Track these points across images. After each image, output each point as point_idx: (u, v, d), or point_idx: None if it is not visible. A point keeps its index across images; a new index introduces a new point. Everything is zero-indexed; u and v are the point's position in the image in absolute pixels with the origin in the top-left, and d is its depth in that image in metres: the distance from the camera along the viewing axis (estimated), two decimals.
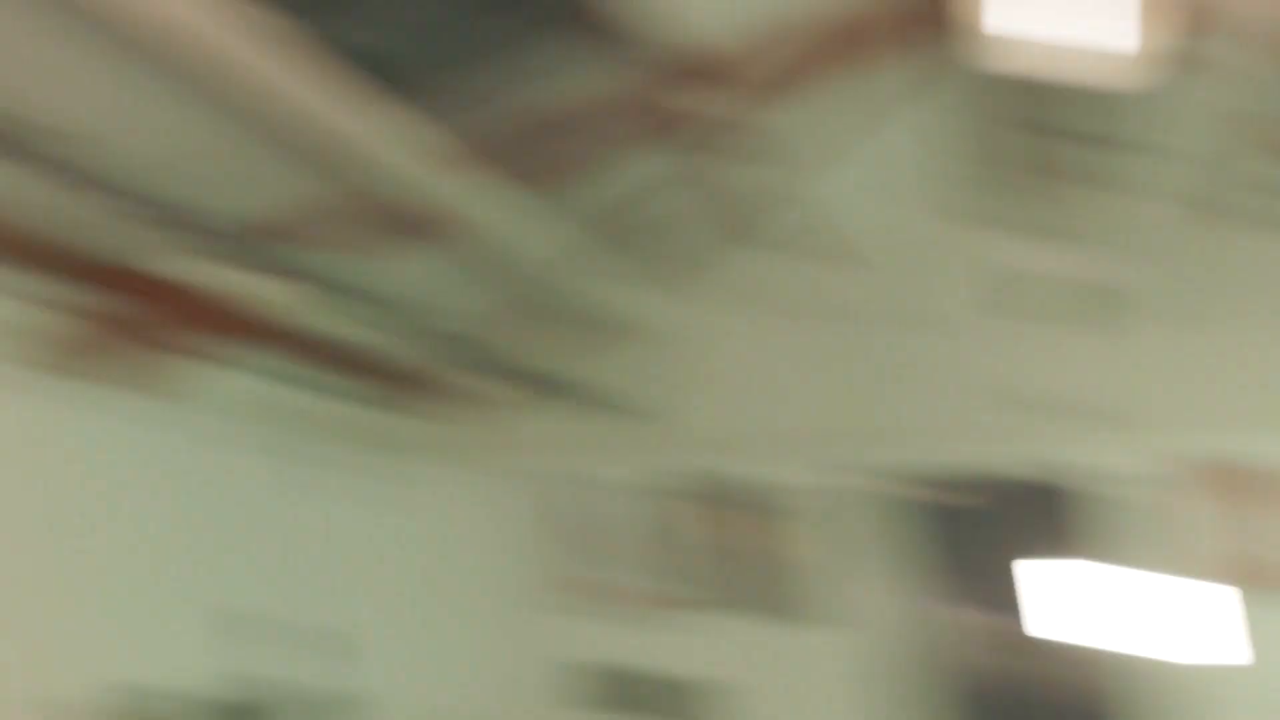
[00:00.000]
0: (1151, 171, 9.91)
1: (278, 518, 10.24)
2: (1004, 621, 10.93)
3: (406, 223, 8.77)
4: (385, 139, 7.66)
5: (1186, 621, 6.54)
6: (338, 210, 8.60)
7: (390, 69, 7.37)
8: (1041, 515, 11.00)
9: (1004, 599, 10.87)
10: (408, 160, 7.90)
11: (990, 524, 11.17)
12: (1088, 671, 10.04)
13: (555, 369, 11.54)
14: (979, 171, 10.02)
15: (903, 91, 8.86)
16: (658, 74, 8.05)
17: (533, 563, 12.43)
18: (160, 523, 8.99)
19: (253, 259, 8.02)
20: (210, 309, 8.96)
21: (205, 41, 6.33)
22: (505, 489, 12.47)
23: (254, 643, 9.56)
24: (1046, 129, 9.44)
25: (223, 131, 7.40)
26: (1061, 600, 6.91)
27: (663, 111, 8.39)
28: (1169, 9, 6.77)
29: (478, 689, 11.92)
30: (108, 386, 8.77)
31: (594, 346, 11.80)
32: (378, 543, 11.27)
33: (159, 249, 8.19)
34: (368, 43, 7.17)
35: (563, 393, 11.56)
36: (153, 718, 8.50)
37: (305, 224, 8.61)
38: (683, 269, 11.37)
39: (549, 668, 12.22)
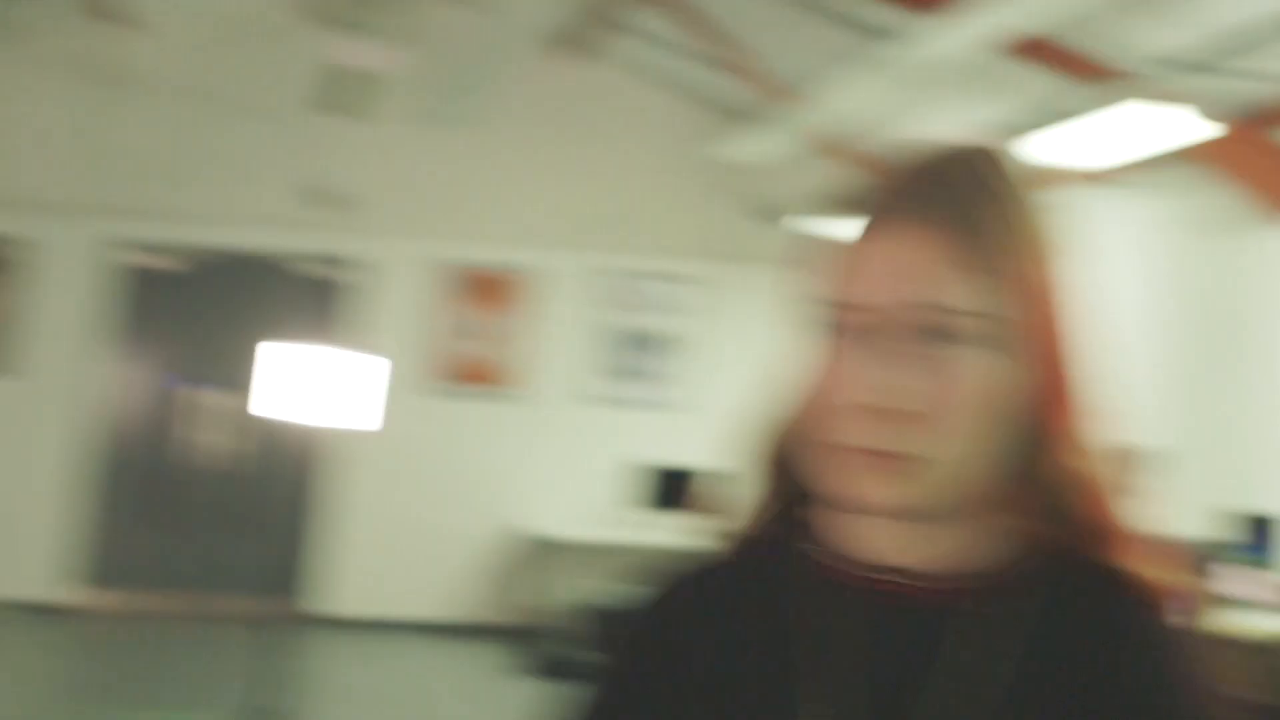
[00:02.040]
0: None
1: None
2: (226, 396, 11.93)
3: None
4: None
5: (354, 393, 7.66)
6: None
7: None
8: (258, 290, 12.23)
9: (227, 375, 11.86)
10: None
11: (205, 296, 12.33)
12: (297, 443, 10.86)
13: None
14: None
15: None
16: None
17: None
18: None
19: None
20: None
21: None
22: None
23: None
24: None
25: None
26: (279, 377, 7.34)
27: None
28: None
29: None
30: None
31: None
32: None
33: None
34: None
35: None
36: None
37: None
38: None
39: None
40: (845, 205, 1.46)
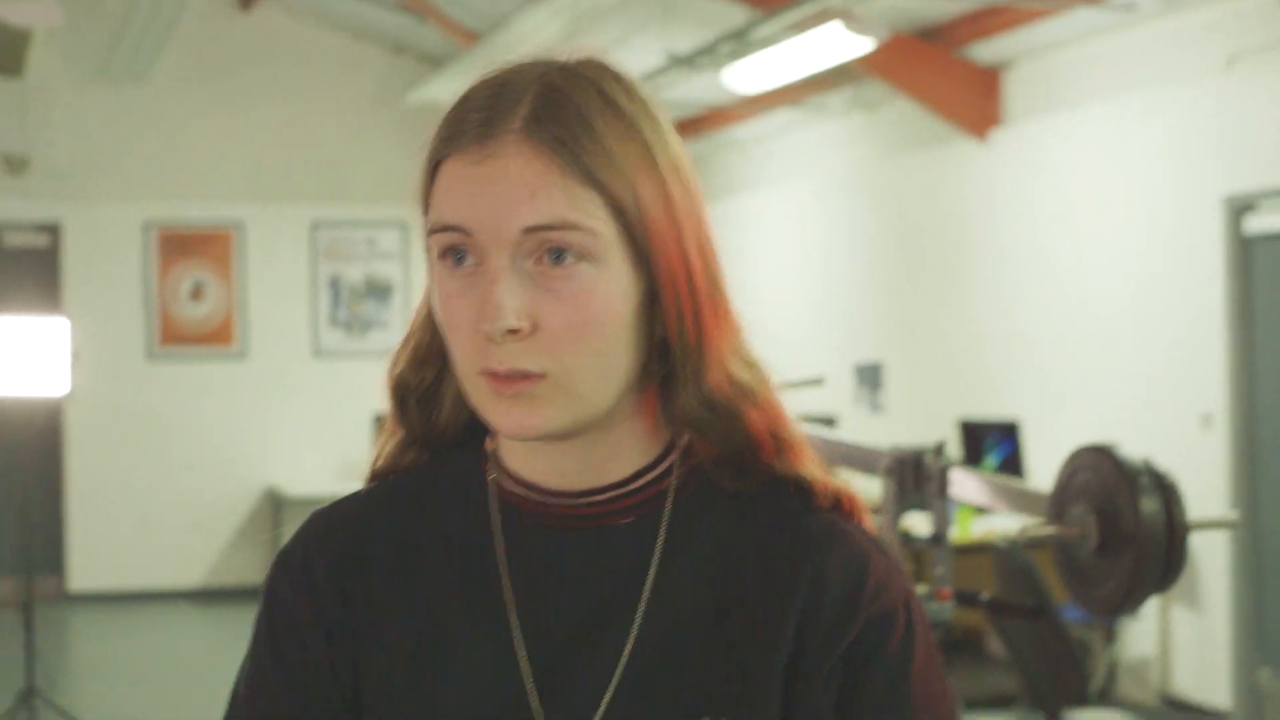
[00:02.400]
0: None
1: None
2: None
3: None
4: None
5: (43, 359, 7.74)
6: None
7: None
8: None
9: None
10: None
11: None
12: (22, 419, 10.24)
13: None
14: None
15: None
16: None
17: None
18: None
19: None
20: None
21: None
22: None
23: None
24: None
25: None
26: (16, 353, 7.52)
27: None
28: None
29: None
30: None
31: None
32: None
33: None
34: None
35: None
36: None
37: None
38: None
39: None
40: (445, 124, 1.40)
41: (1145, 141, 7.87)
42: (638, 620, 1.42)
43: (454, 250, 1.37)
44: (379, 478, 1.56)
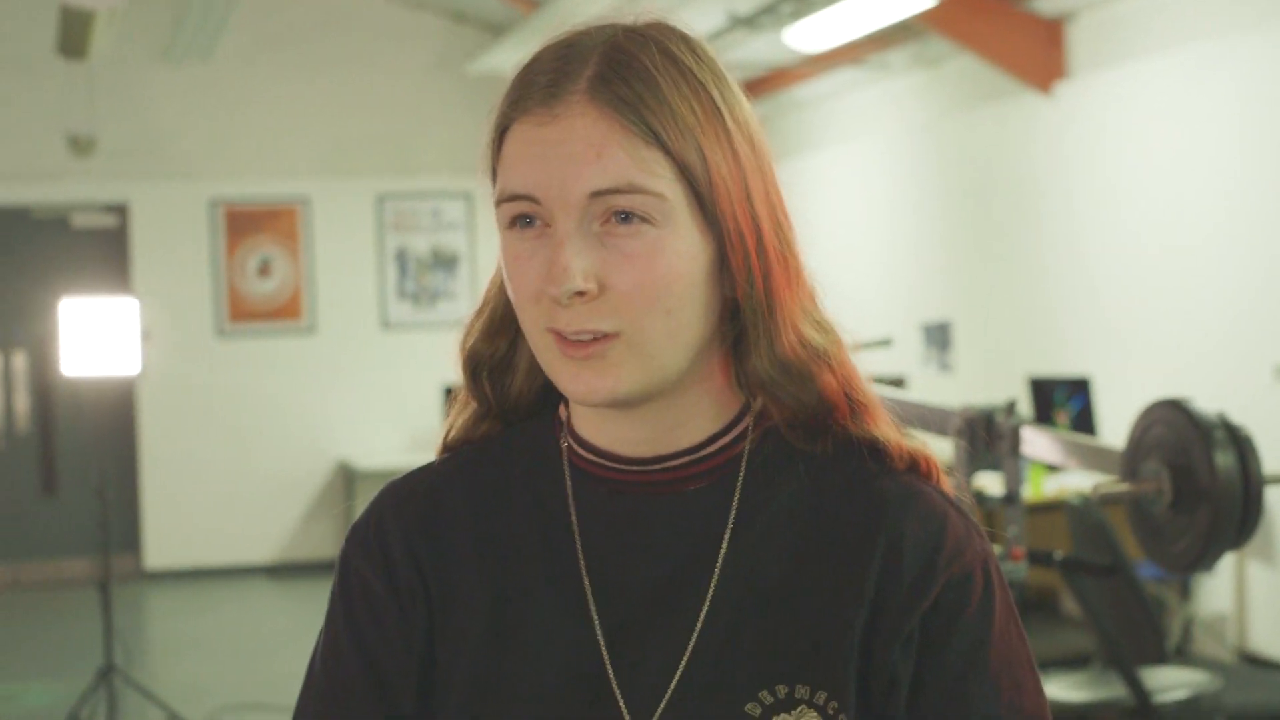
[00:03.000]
0: None
1: None
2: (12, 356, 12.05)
3: None
4: None
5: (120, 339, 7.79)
6: None
7: None
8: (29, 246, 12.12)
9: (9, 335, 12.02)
10: None
11: None
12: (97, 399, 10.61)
13: None
14: None
15: None
16: None
17: None
18: None
19: None
20: None
21: None
22: None
23: None
24: None
25: None
26: (81, 332, 7.51)
27: None
28: None
29: None
30: None
31: None
32: None
33: None
34: None
35: None
36: None
37: None
38: None
39: None
40: (511, 89, 1.42)
41: (1213, 91, 7.78)
42: (712, 587, 1.41)
43: (522, 217, 1.38)
44: (451, 450, 1.57)
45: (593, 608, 1.43)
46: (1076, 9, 8.70)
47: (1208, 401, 3.03)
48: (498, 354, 1.53)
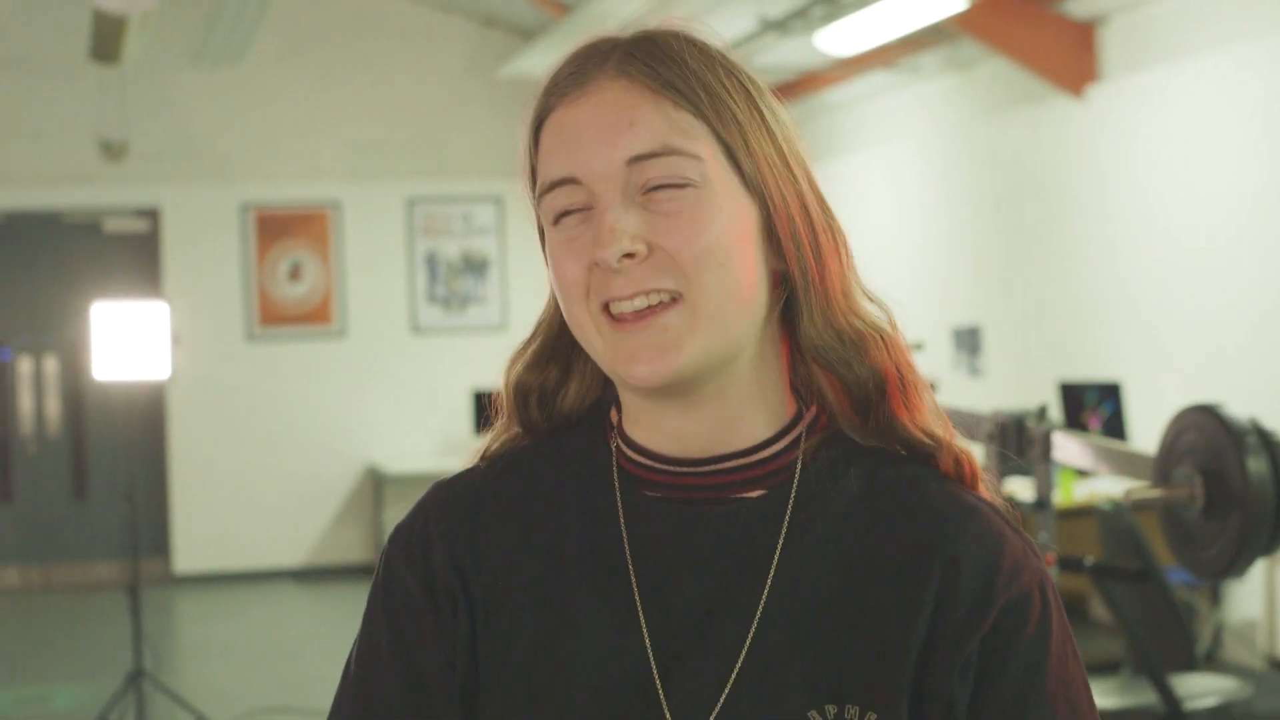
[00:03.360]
0: None
1: None
2: (44, 359, 12.09)
3: None
4: None
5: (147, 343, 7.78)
6: None
7: None
8: (59, 249, 12.14)
9: (40, 338, 12.05)
10: None
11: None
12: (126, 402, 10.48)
13: None
14: None
15: None
16: None
17: None
18: None
19: None
20: None
21: None
22: None
23: None
24: None
25: None
26: (109, 336, 7.54)
27: None
28: None
29: None
30: None
31: None
32: None
33: None
34: None
35: None
36: None
37: None
38: None
39: None
40: (542, 90, 1.43)
41: (1245, 94, 7.74)
42: (763, 600, 1.39)
43: (564, 209, 1.38)
44: (486, 460, 1.55)
45: (641, 616, 1.40)
46: (1109, 12, 8.67)
47: (1240, 406, 3.01)
48: (546, 384, 1.53)
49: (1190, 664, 5.25)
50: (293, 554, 12.34)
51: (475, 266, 12.67)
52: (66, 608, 11.35)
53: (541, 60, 11.12)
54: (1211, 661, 7.12)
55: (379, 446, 12.39)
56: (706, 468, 1.43)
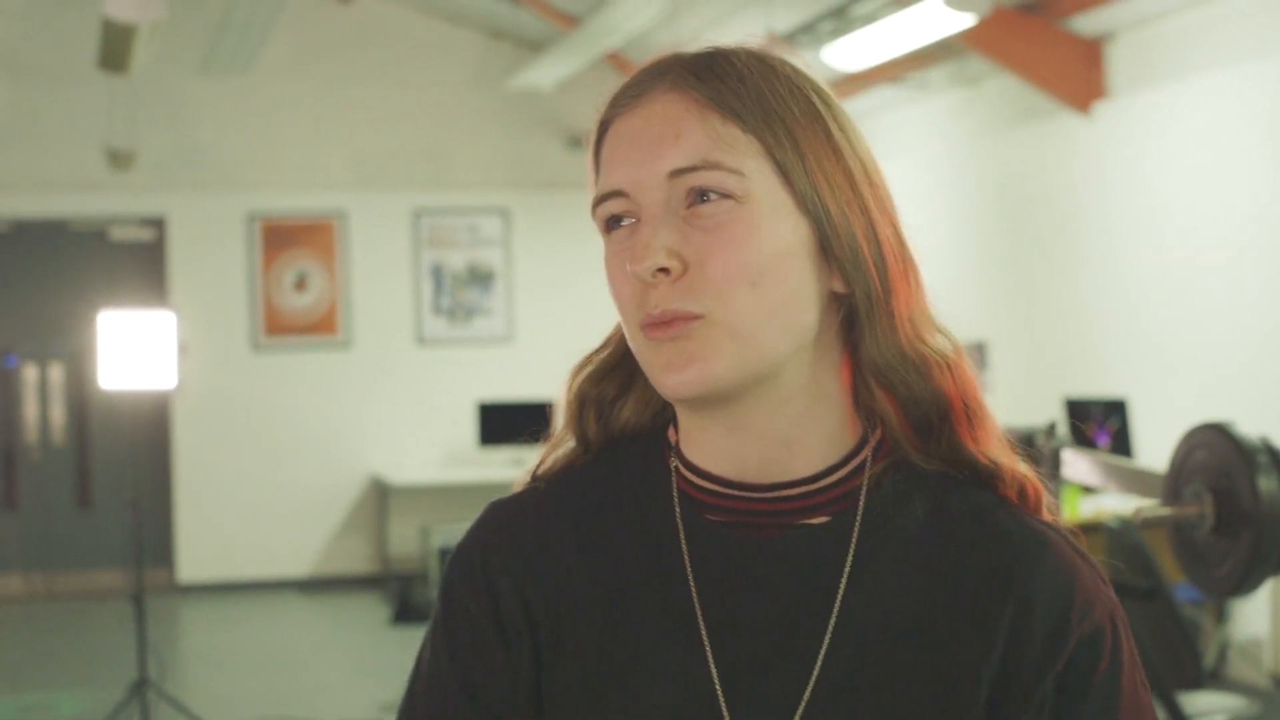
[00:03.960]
0: None
1: None
2: (48, 367, 12.12)
3: None
4: None
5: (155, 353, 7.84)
6: None
7: None
8: (64, 258, 12.17)
9: (44, 346, 12.11)
10: None
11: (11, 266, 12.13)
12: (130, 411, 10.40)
13: None
14: None
15: None
16: None
17: None
18: None
19: None
20: None
21: None
22: None
23: None
24: None
25: None
26: (115, 345, 7.58)
27: None
28: None
29: None
30: None
31: None
32: None
33: None
34: None
35: None
36: None
37: None
38: None
39: None
40: (600, 109, 1.43)
41: (1253, 112, 7.74)
42: (830, 629, 1.37)
43: (614, 219, 1.38)
44: (541, 481, 1.54)
45: (706, 643, 1.38)
46: (1116, 29, 8.68)
47: (1246, 424, 3.01)
48: (607, 393, 1.52)
49: (1197, 682, 5.24)
50: (297, 564, 12.33)
51: (481, 278, 12.67)
52: (70, 616, 11.35)
53: (549, 72, 11.15)
54: (1217, 679, 7.12)
55: (383, 457, 12.39)
56: (768, 494, 1.41)
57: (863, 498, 1.41)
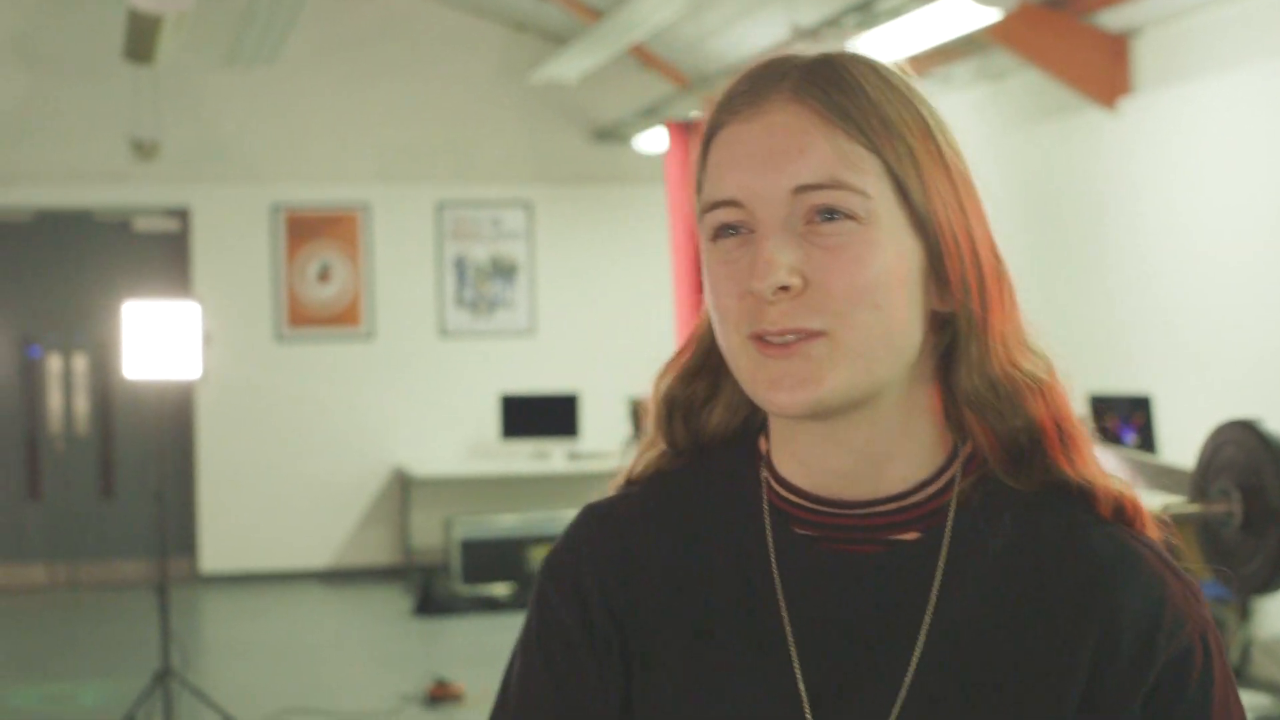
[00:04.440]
0: None
1: None
2: (74, 357, 12.16)
3: None
4: None
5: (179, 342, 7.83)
6: None
7: None
8: (90, 248, 12.23)
9: (70, 336, 12.15)
10: None
11: (39, 256, 12.20)
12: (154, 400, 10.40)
13: None
14: None
15: None
16: None
17: None
18: None
19: None
20: None
21: None
22: None
23: None
24: None
25: None
26: (140, 335, 7.57)
27: None
28: None
29: None
30: None
31: None
32: None
33: None
34: None
35: None
36: None
37: None
38: None
39: None
40: (716, 103, 1.40)
41: None
42: (919, 646, 1.37)
43: (725, 228, 1.36)
44: (635, 483, 1.55)
45: (794, 657, 1.38)
46: (1142, 24, 8.65)
47: (1276, 422, 3.00)
48: (696, 396, 1.51)
49: None
50: (319, 555, 12.35)
51: (503, 271, 12.68)
52: (93, 605, 11.39)
53: (572, 65, 11.14)
54: (1239, 677, 7.09)
55: (406, 449, 12.40)
56: (859, 510, 1.41)
57: (952, 514, 1.40)
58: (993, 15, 8.25)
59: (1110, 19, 8.73)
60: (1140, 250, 8.75)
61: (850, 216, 1.31)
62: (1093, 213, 9.21)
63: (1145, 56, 8.73)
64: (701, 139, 1.41)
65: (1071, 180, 9.42)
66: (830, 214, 1.32)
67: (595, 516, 1.51)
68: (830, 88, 1.34)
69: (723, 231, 1.36)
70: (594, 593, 1.46)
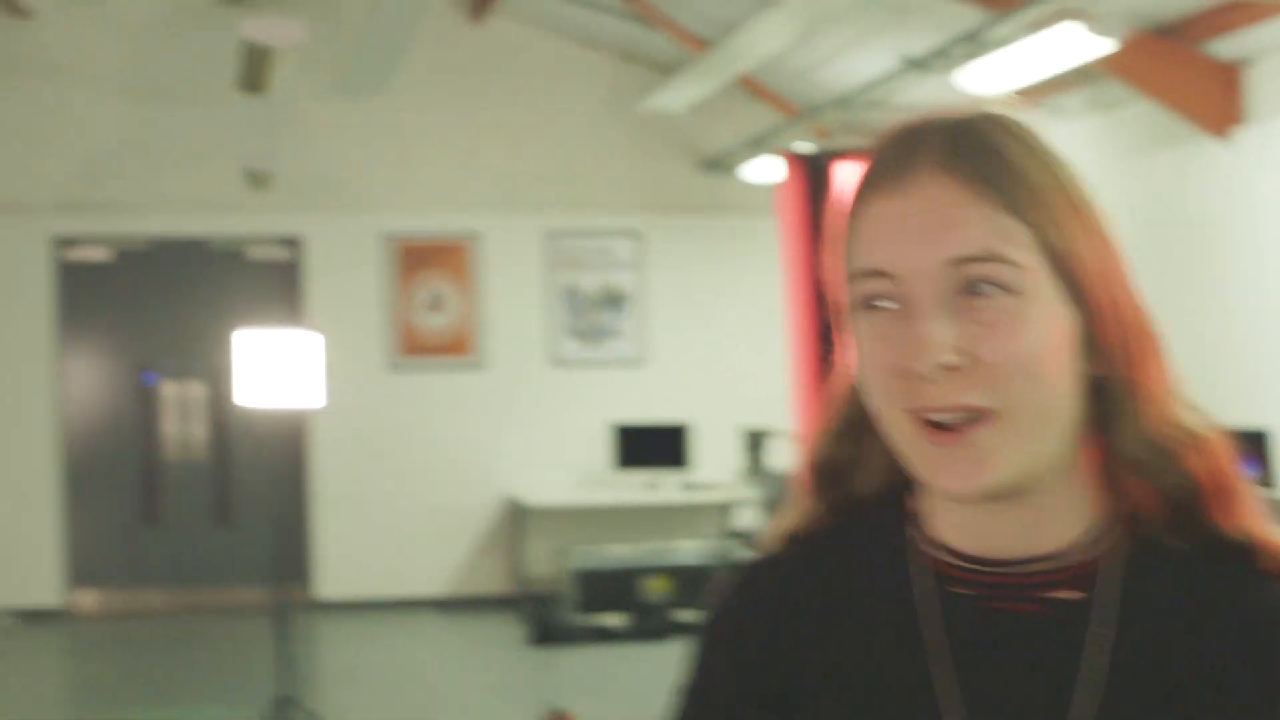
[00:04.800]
0: None
1: None
2: (189, 385, 12.32)
3: None
4: None
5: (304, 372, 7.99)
6: None
7: None
8: (206, 277, 12.44)
9: (185, 364, 12.33)
10: None
11: (155, 286, 12.40)
12: (268, 429, 10.85)
13: None
14: None
15: None
16: None
17: None
18: None
19: None
20: None
21: None
22: None
23: None
24: None
25: None
26: (252, 363, 7.57)
27: None
28: None
29: None
30: None
31: None
32: None
33: None
34: None
35: None
36: None
37: None
38: None
39: None
40: (862, 174, 1.39)
41: None
42: (1094, 711, 1.35)
43: (875, 298, 1.34)
44: (786, 540, 1.55)
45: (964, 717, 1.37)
46: (1255, 54, 8.60)
47: None
48: (843, 458, 1.50)
49: None
50: (433, 583, 12.42)
51: (613, 300, 12.72)
52: (209, 631, 11.51)
53: (680, 95, 11.18)
54: None
55: (518, 478, 12.46)
56: (1016, 568, 1.40)
57: (1107, 572, 1.39)
58: (1107, 46, 8.21)
59: (1222, 48, 8.68)
60: (1255, 280, 8.68)
61: (1004, 288, 1.30)
62: (1205, 243, 9.15)
63: (1258, 85, 8.67)
64: (849, 210, 1.39)
65: (1184, 211, 9.35)
66: (984, 287, 1.30)
67: (759, 581, 1.52)
68: (976, 158, 1.32)
69: (872, 302, 1.34)
70: (753, 650, 1.47)
